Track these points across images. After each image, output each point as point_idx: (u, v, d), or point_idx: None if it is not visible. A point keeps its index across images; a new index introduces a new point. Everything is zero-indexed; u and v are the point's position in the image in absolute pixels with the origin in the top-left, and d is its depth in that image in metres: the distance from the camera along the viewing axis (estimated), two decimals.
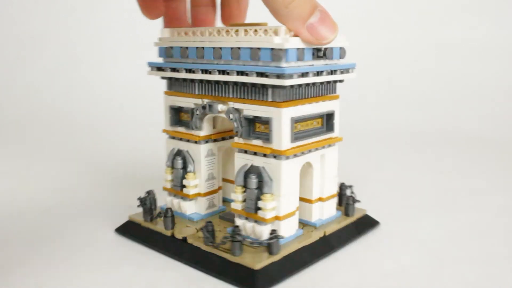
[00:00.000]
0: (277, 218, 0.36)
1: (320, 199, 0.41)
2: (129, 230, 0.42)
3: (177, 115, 0.42)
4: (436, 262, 0.37)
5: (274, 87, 0.35)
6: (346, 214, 0.43)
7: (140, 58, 0.67)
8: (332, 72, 0.38)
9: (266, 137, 0.36)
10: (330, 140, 0.40)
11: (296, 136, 0.37)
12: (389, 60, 1.00)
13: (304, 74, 0.35)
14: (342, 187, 0.45)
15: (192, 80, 0.40)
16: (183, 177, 0.42)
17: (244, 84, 0.36)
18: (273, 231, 0.35)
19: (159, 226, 0.40)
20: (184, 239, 0.38)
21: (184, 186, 0.42)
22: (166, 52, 0.41)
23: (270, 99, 0.35)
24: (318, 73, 0.36)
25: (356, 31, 1.00)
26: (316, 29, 0.34)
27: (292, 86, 0.35)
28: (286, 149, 0.35)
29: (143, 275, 0.36)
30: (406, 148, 0.74)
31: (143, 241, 0.40)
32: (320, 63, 0.37)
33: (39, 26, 1.04)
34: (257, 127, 0.37)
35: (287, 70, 0.33)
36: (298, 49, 0.34)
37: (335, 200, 0.42)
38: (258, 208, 0.36)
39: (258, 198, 0.36)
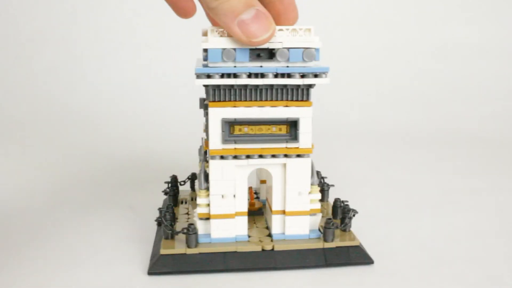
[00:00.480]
0: (208, 215, 0.37)
1: (283, 212, 0.38)
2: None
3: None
4: (436, 262, 0.37)
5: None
6: (324, 238, 0.38)
7: (140, 58, 0.68)
8: (287, 76, 0.35)
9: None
10: (293, 150, 0.36)
11: (235, 138, 0.36)
12: (389, 60, 0.99)
13: (230, 75, 0.34)
14: (338, 205, 0.41)
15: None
16: None
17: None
18: (190, 225, 0.36)
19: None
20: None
21: None
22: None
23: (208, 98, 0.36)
24: (259, 76, 0.35)
25: (356, 31, 1.00)
26: (247, 26, 0.32)
27: (218, 86, 0.35)
28: (214, 149, 0.36)
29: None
30: (406, 148, 0.74)
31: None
32: (269, 65, 0.35)
33: (39, 26, 1.01)
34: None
35: (197, 70, 0.34)
36: (224, 49, 0.34)
37: (307, 219, 0.38)
38: None
39: None
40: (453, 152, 0.71)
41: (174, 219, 0.39)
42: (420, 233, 0.43)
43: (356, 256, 0.37)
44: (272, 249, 0.37)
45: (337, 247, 0.37)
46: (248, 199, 0.43)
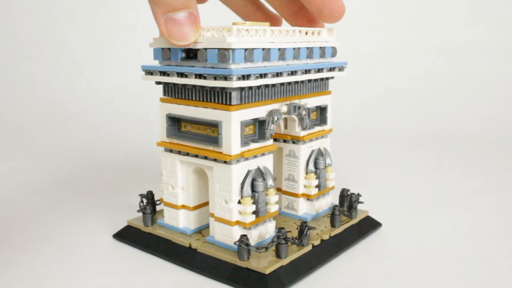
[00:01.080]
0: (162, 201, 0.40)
1: (212, 215, 0.37)
2: (128, 235, 0.41)
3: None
4: (436, 262, 0.37)
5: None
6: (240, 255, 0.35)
7: (140, 58, 0.60)
8: (203, 77, 0.34)
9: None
10: (217, 155, 0.35)
11: (178, 134, 0.38)
12: (389, 60, 0.98)
13: (165, 74, 0.37)
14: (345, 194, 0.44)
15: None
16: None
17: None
18: (147, 205, 0.40)
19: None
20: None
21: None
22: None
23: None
24: (184, 75, 0.36)
25: (356, 31, 0.99)
26: (174, 26, 0.32)
27: (167, 84, 0.38)
28: (161, 141, 0.39)
29: (143, 277, 0.36)
30: (406, 148, 0.73)
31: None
32: (191, 65, 0.35)
33: (39, 27, 1.03)
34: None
35: (145, 67, 0.38)
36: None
37: (232, 229, 0.36)
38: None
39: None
40: (453, 152, 0.70)
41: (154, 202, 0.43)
42: (420, 233, 0.42)
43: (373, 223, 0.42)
44: (196, 249, 0.37)
45: (247, 268, 0.34)
46: None
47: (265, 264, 0.34)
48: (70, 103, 0.96)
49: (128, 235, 0.41)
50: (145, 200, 0.43)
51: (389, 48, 1.02)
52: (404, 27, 1.03)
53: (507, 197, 0.52)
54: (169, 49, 0.36)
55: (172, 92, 0.38)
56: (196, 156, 0.37)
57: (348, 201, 0.43)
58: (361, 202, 0.43)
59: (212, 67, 0.34)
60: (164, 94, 0.38)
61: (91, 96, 0.97)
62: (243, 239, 0.34)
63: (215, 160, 0.35)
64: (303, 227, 0.36)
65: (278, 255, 0.34)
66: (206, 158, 0.36)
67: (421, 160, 0.67)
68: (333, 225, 0.40)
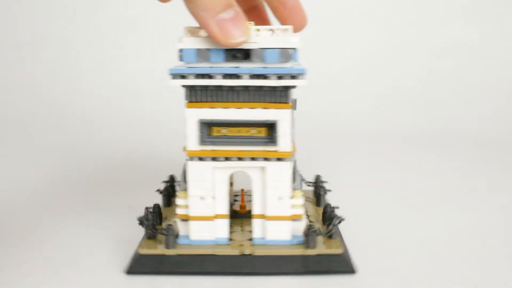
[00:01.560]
0: (187, 216, 0.37)
1: (263, 216, 0.37)
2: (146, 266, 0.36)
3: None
4: (436, 262, 0.37)
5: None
6: (306, 245, 0.36)
7: (140, 59, 0.67)
8: (262, 77, 0.34)
9: None
10: (272, 154, 0.36)
11: (213, 140, 0.36)
12: (389, 60, 0.98)
13: (205, 76, 0.34)
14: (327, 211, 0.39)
15: None
16: None
17: None
18: (168, 225, 0.36)
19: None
20: None
21: None
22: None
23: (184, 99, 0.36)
24: (234, 76, 0.34)
25: (356, 31, 0.98)
26: (227, 26, 0.32)
27: (193, 87, 0.35)
28: (192, 150, 0.36)
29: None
30: (406, 148, 0.73)
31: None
32: (244, 66, 0.34)
33: (39, 27, 1.01)
34: None
35: (171, 70, 0.34)
36: (198, 49, 0.34)
37: (288, 224, 0.37)
38: None
39: None
40: (453, 152, 0.70)
41: (159, 218, 0.40)
42: (420, 233, 0.42)
43: (337, 265, 0.35)
44: (251, 254, 0.36)
45: (318, 254, 0.36)
46: (239, 202, 0.43)
47: (334, 246, 0.36)
48: (70, 103, 0.93)
49: (146, 266, 0.36)
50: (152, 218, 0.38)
51: (388, 48, 1.00)
52: (404, 27, 1.01)
53: (507, 197, 0.52)
54: (208, 49, 0.34)
55: (204, 95, 0.35)
56: (239, 159, 0.36)
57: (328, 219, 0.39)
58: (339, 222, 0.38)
59: (267, 67, 0.34)
60: (191, 99, 0.35)
61: (89, 97, 0.94)
62: (313, 228, 0.36)
63: (265, 159, 0.36)
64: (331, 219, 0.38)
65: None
66: (253, 159, 0.36)
67: (421, 160, 0.67)
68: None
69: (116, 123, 0.86)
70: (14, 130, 0.84)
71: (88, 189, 0.55)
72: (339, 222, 0.38)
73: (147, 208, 0.40)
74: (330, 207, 0.40)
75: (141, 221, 0.38)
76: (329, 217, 0.38)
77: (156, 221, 0.39)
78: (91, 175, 0.60)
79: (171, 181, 0.47)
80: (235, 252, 0.36)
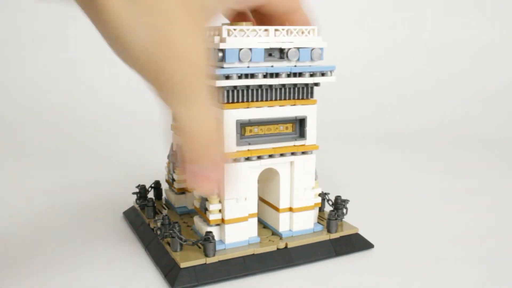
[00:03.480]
0: (222, 221, 0.36)
1: (290, 209, 0.38)
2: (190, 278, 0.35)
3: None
4: (436, 262, 0.37)
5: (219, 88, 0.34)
6: (328, 230, 0.39)
7: None
8: (297, 75, 0.35)
9: None
10: (301, 148, 0.37)
11: (248, 140, 0.35)
12: (389, 60, 0.99)
13: (248, 76, 0.34)
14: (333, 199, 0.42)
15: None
16: None
17: None
18: (208, 233, 0.35)
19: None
20: None
21: None
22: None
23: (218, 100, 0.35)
24: (273, 75, 0.35)
25: (356, 31, 1.00)
26: (196, 178, 0.27)
27: (235, 87, 0.34)
28: (229, 152, 0.35)
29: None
30: (406, 148, 0.73)
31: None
32: (279, 65, 0.35)
33: (38, 28, 1.01)
34: None
35: (222, 71, 0.33)
36: (240, 49, 0.33)
37: (311, 213, 0.39)
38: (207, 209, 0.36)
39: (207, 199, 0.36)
40: (453, 152, 0.70)
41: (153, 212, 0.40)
42: (420, 232, 0.42)
43: (358, 243, 0.39)
44: (286, 247, 0.37)
45: (341, 237, 0.39)
46: None
47: (350, 228, 0.40)
48: (70, 104, 0.92)
49: (191, 278, 0.34)
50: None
51: (388, 48, 1.00)
52: (404, 27, 1.00)
53: (506, 197, 0.52)
54: (250, 49, 0.34)
55: (240, 96, 0.35)
56: (270, 156, 0.36)
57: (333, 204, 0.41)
58: (341, 216, 0.40)
59: (298, 66, 0.36)
60: (229, 100, 0.34)
61: (90, 97, 0.93)
62: (335, 213, 0.39)
63: (292, 154, 0.37)
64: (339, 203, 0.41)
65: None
66: (282, 155, 0.37)
67: (420, 160, 0.66)
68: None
69: (116, 123, 0.85)
70: (14, 130, 0.83)
71: (88, 189, 0.54)
72: (346, 204, 0.41)
73: (172, 222, 0.37)
74: (340, 197, 0.42)
75: (166, 235, 0.35)
76: (335, 202, 0.41)
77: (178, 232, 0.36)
78: (91, 175, 0.59)
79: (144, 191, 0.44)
80: (272, 248, 0.37)
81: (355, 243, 0.39)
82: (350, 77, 0.94)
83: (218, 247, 0.36)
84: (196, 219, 0.38)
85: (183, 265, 0.34)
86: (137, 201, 0.44)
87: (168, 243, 0.36)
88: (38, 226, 0.44)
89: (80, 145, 0.74)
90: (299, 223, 0.38)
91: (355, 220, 0.42)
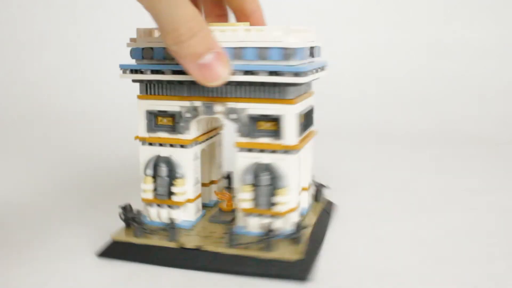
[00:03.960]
0: (291, 210, 0.38)
1: (304, 189, 0.43)
2: (115, 251, 0.38)
3: (154, 120, 0.40)
4: (436, 262, 0.37)
5: (287, 85, 0.36)
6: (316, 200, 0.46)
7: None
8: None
9: (274, 134, 0.37)
10: (313, 133, 0.43)
11: (300, 130, 0.38)
12: (388, 60, 0.99)
13: (312, 71, 0.37)
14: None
15: (181, 82, 0.38)
16: (171, 184, 0.40)
17: (251, 83, 0.37)
18: (269, 224, 0.36)
19: (156, 240, 0.38)
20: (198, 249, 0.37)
21: (172, 194, 0.40)
22: (144, 53, 0.38)
23: (279, 97, 0.36)
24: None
25: (356, 30, 1.01)
26: (206, 70, 0.33)
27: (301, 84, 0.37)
28: (296, 144, 0.37)
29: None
30: (406, 148, 0.73)
31: (138, 259, 0.37)
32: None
33: (38, 28, 1.04)
34: (260, 125, 0.38)
35: (302, 68, 0.35)
36: (303, 48, 0.36)
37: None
38: (272, 204, 0.37)
39: (271, 194, 0.37)
40: (453, 152, 0.70)
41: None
42: (419, 233, 0.43)
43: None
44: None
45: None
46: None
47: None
48: (69, 104, 0.94)
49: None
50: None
51: (388, 47, 0.98)
52: (404, 27, 0.99)
53: (506, 197, 0.51)
54: (308, 48, 0.37)
55: (298, 91, 0.37)
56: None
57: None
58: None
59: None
60: (293, 95, 0.37)
61: (89, 97, 0.95)
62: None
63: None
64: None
65: None
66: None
67: (420, 160, 0.66)
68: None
69: (116, 123, 0.86)
70: (14, 130, 0.84)
71: (88, 189, 0.55)
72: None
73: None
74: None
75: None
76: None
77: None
78: (91, 175, 0.60)
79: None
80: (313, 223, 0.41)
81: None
82: (350, 77, 0.95)
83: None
84: (253, 219, 0.38)
85: (295, 257, 0.35)
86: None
87: None
88: (39, 225, 0.45)
89: (80, 144, 0.74)
90: (307, 201, 0.43)
91: (355, 220, 0.45)
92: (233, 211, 0.43)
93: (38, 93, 0.98)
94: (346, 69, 0.86)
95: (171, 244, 0.37)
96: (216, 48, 0.33)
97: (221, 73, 0.33)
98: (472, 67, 0.96)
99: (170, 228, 0.37)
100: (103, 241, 0.40)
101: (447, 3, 1.01)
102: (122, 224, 0.40)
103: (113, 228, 0.41)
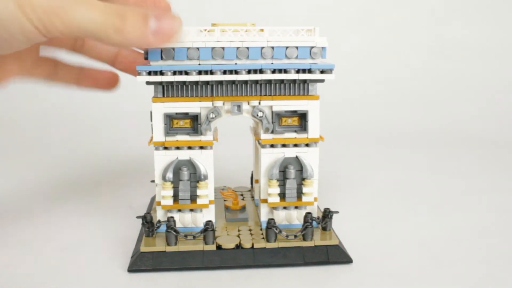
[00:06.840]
0: (315, 199, 0.40)
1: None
2: (145, 262, 0.36)
3: (169, 123, 0.39)
4: (436, 262, 0.37)
5: (314, 81, 0.38)
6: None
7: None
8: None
9: (298, 129, 0.39)
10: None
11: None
12: (388, 60, 0.99)
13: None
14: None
15: (207, 83, 0.37)
16: (193, 187, 0.39)
17: (281, 81, 0.38)
18: (308, 214, 0.38)
19: (192, 245, 0.37)
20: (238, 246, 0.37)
21: (195, 197, 0.39)
22: (164, 54, 0.37)
23: (308, 93, 0.38)
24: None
25: (356, 30, 1.01)
26: (160, 33, 0.33)
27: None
28: (319, 136, 0.40)
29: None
30: (405, 148, 0.73)
31: (175, 266, 0.36)
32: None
33: None
34: (283, 121, 0.39)
35: (331, 65, 0.37)
36: (326, 47, 0.38)
37: None
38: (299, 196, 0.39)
39: (298, 186, 0.39)
40: (453, 152, 0.70)
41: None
42: (419, 233, 0.42)
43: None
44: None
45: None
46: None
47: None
48: (69, 104, 0.91)
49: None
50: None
51: (388, 47, 0.97)
52: (404, 27, 0.98)
53: (506, 197, 0.51)
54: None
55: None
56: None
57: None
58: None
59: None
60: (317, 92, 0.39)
61: (89, 97, 0.80)
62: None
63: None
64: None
65: None
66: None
67: (420, 160, 0.66)
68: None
69: (116, 123, 0.85)
70: (13, 130, 0.84)
71: (88, 189, 0.54)
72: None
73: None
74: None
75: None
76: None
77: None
78: (91, 175, 0.59)
79: None
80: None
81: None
82: (350, 77, 0.93)
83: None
84: (280, 212, 0.39)
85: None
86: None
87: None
88: (39, 225, 0.44)
89: (80, 144, 0.74)
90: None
91: (354, 220, 0.45)
92: (242, 208, 0.44)
93: (39, 93, 0.93)
94: (346, 70, 0.84)
95: (209, 247, 0.37)
96: (150, 13, 0.32)
97: (173, 25, 0.33)
98: (472, 67, 0.97)
99: (209, 231, 0.37)
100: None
101: (447, 3, 1.01)
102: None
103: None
